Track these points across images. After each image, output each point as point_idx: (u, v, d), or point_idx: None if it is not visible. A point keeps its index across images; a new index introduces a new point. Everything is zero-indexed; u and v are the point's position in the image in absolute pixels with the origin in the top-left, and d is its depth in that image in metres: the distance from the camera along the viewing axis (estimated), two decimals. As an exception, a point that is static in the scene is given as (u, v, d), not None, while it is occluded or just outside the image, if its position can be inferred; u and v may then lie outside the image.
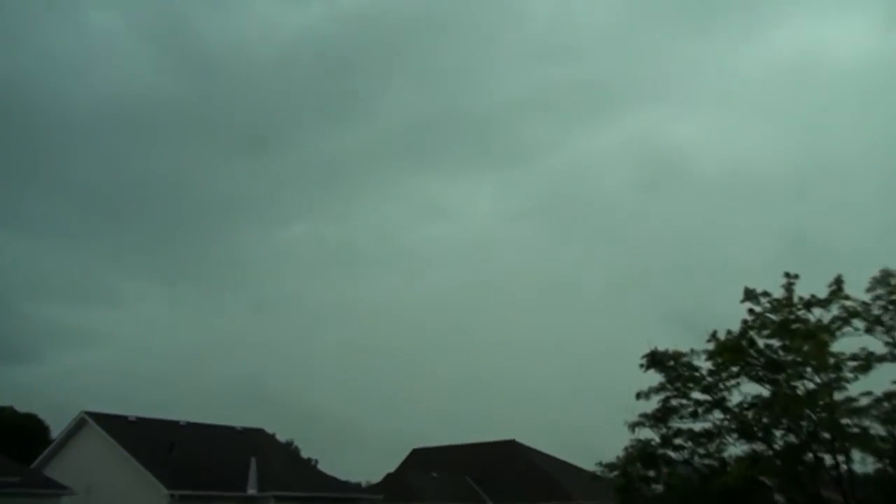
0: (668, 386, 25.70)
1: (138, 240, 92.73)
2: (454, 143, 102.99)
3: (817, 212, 77.16)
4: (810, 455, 24.29)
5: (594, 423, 53.90)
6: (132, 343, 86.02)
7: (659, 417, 25.70)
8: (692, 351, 25.46)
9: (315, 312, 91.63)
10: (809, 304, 24.70)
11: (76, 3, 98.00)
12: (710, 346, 25.17)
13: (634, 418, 25.75)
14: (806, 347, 23.39)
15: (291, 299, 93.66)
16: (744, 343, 24.78)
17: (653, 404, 25.87)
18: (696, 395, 25.59)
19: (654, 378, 26.00)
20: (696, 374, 25.43)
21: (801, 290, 25.18)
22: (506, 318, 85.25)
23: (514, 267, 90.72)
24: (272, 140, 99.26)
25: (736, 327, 25.16)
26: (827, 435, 23.57)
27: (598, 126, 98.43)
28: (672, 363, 25.60)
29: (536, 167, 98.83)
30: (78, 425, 38.50)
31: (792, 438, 24.56)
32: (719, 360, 24.91)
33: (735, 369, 24.90)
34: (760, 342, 24.79)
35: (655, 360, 25.74)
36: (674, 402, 25.78)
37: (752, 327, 24.92)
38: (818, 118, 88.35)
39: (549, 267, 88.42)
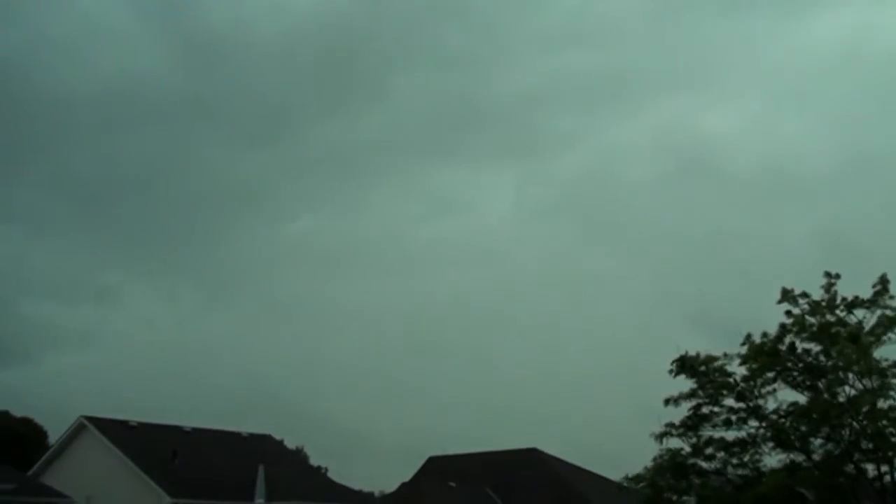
0: (700, 392, 24.23)
1: (137, 235, 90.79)
2: (473, 132, 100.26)
3: (857, 209, 74.84)
4: (851, 465, 22.93)
5: (619, 430, 52.38)
6: (132, 344, 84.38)
7: (689, 426, 24.27)
8: (725, 355, 24.05)
9: (323, 312, 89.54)
10: (852, 304, 23.30)
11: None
12: (744, 350, 23.79)
13: (661, 428, 24.37)
14: (848, 351, 21.98)
15: (298, 298, 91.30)
16: (781, 347, 23.40)
17: (682, 412, 24.49)
18: (730, 402, 24.19)
19: (683, 384, 24.55)
20: (730, 380, 23.99)
21: (838, 292, 23.88)
22: (527, 319, 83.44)
23: (536, 265, 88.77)
24: (278, 129, 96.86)
25: (768, 329, 23.91)
26: (869, 444, 22.27)
27: (627, 116, 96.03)
28: (703, 368, 24.11)
29: (561, 159, 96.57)
30: (77, 430, 37.53)
31: (831, 448, 23.19)
32: (754, 366, 23.49)
33: (771, 375, 23.52)
34: (799, 346, 23.43)
35: (685, 365, 24.22)
36: (705, 410, 24.35)
37: (789, 330, 23.51)
38: (859, 110, 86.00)
39: (573, 265, 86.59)
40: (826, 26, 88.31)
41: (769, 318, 24.07)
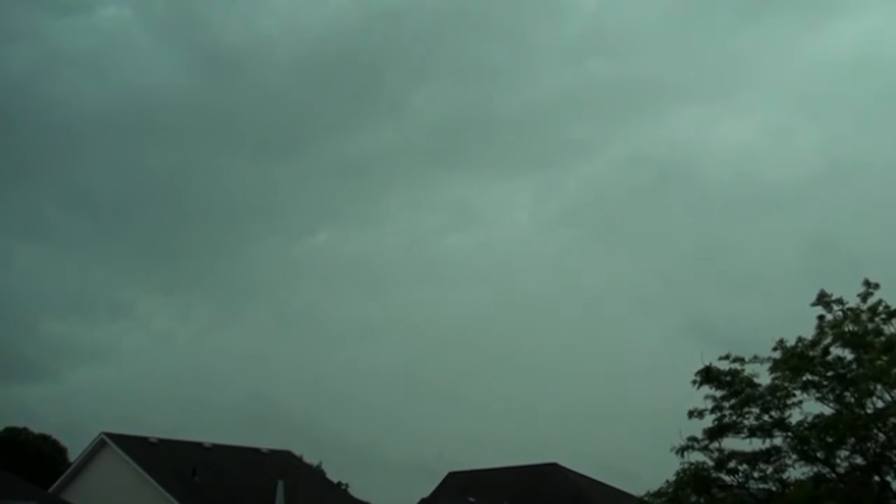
0: (724, 404, 23.87)
1: (154, 250, 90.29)
2: (489, 143, 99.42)
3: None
4: (877, 478, 22.55)
5: (636, 445, 52.00)
6: (148, 359, 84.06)
7: (713, 438, 23.88)
8: (755, 357, 23.72)
9: (338, 327, 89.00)
10: (893, 314, 22.96)
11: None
12: (776, 356, 23.60)
13: (682, 441, 23.94)
14: (880, 362, 21.66)
15: (312, 313, 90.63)
16: (814, 353, 23.12)
17: (704, 423, 24.06)
18: (755, 412, 23.75)
19: (701, 396, 24.21)
20: (756, 391, 23.62)
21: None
22: (544, 333, 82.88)
23: (553, 278, 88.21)
24: (293, 142, 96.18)
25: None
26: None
27: (644, 126, 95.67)
28: (729, 378, 23.79)
29: (578, 169, 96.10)
30: (97, 447, 37.51)
31: (857, 460, 22.84)
32: (783, 372, 23.20)
33: (798, 384, 23.17)
34: (833, 352, 23.14)
35: (711, 375, 23.90)
36: (728, 421, 23.92)
37: (825, 335, 23.29)
38: (876, 117, 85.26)
39: (590, 277, 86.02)
40: (843, 33, 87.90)
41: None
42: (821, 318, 23.65)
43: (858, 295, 23.45)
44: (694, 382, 24.13)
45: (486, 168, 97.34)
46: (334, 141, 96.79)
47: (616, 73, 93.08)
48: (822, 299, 23.74)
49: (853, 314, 23.25)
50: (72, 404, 77.41)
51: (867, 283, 23.46)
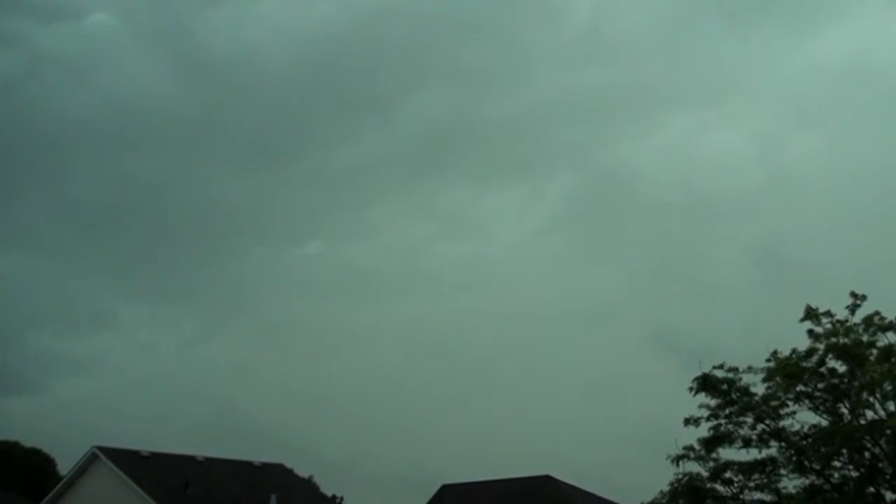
0: (719, 412, 23.92)
1: (137, 260, 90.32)
2: (479, 151, 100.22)
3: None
4: (871, 489, 22.47)
5: (629, 456, 51.99)
6: (131, 370, 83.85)
7: (708, 448, 23.89)
8: (749, 368, 23.76)
9: (328, 338, 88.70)
10: (886, 327, 23.00)
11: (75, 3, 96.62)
12: (769, 366, 23.65)
13: (678, 450, 23.96)
14: (877, 374, 21.62)
15: (301, 324, 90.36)
16: (808, 365, 23.14)
17: (700, 432, 24.16)
18: (750, 421, 23.80)
19: (694, 406, 24.27)
20: (753, 400, 23.65)
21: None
22: (534, 343, 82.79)
23: (543, 288, 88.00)
24: (282, 151, 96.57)
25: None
26: (889, 468, 21.95)
27: (635, 134, 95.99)
28: (725, 387, 23.81)
29: (565, 177, 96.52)
30: (89, 461, 37.35)
31: (850, 471, 22.81)
32: (777, 382, 23.23)
33: (792, 395, 23.25)
34: (827, 362, 23.17)
35: (707, 383, 23.92)
36: (723, 430, 23.93)
37: (817, 348, 23.31)
38: (871, 124, 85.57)
39: (578, 286, 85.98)
40: (836, 39, 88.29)
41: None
42: (810, 331, 23.75)
43: (847, 307, 23.58)
44: (690, 389, 24.17)
45: (477, 176, 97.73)
46: (324, 150, 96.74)
47: (608, 80, 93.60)
48: (810, 314, 23.84)
49: (844, 326, 23.36)
50: (57, 417, 77.03)
51: (854, 295, 23.57)
